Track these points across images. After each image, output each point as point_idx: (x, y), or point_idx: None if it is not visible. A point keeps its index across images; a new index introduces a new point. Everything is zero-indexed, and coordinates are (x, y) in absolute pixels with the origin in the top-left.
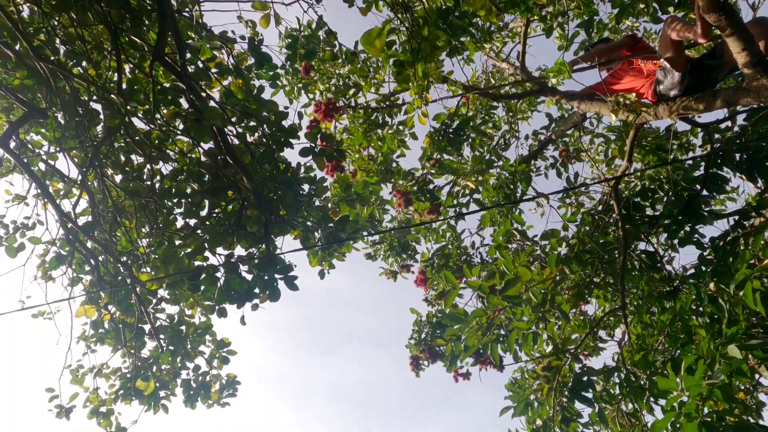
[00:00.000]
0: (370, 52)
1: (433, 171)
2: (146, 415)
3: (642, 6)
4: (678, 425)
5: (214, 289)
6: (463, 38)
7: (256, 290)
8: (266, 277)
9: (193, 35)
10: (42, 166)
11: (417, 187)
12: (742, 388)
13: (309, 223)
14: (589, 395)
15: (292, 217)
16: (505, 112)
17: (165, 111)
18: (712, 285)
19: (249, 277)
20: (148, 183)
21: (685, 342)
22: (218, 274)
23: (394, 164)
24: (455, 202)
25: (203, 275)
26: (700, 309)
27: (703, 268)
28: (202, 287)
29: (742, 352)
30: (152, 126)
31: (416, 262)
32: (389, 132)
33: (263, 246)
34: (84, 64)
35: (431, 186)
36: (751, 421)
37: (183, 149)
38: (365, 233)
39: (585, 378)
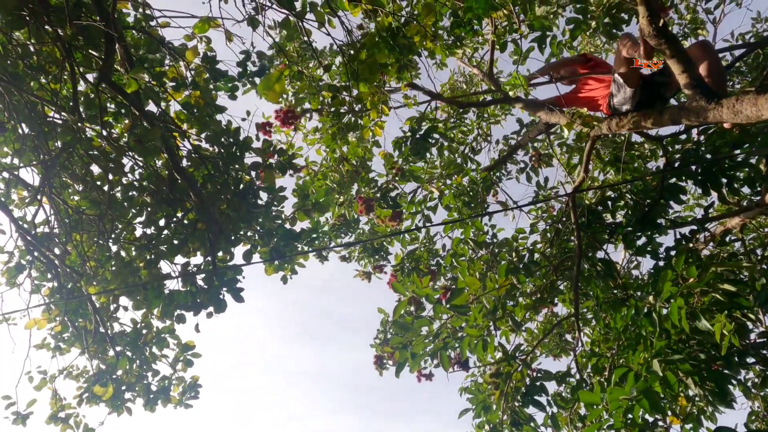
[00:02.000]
0: (267, 97)
1: (397, 178)
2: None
3: (594, 24)
4: None
5: (159, 302)
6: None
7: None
8: (210, 290)
9: (143, 52)
10: (6, 174)
11: (380, 193)
12: (683, 393)
13: (257, 236)
14: (542, 400)
15: (238, 231)
16: (476, 117)
17: (126, 122)
18: (651, 298)
19: (201, 287)
20: (109, 193)
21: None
22: (166, 285)
23: (364, 167)
24: (421, 207)
25: (149, 288)
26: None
27: (649, 280)
28: (149, 299)
29: (667, 366)
30: (103, 142)
31: (389, 264)
32: (354, 137)
33: (221, 254)
34: (43, 78)
35: (394, 193)
36: (704, 423)
37: (137, 163)
38: (311, 249)
39: (538, 383)
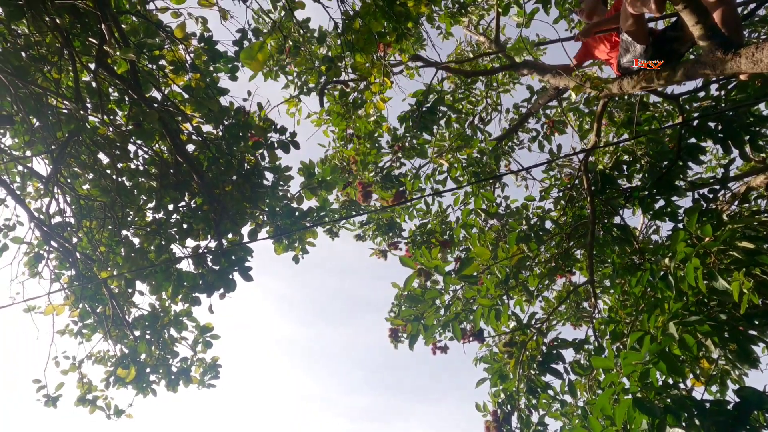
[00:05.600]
0: (250, 67)
1: (399, 155)
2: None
3: None
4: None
5: (169, 285)
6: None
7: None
8: (220, 270)
9: (142, 36)
10: (20, 167)
11: (381, 176)
12: (705, 355)
13: (264, 217)
14: (559, 367)
15: (243, 211)
16: (485, 86)
17: (132, 110)
18: (667, 260)
19: (213, 268)
20: (118, 180)
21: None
22: (179, 268)
23: (376, 144)
24: (430, 182)
25: (158, 271)
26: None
27: (665, 242)
28: (159, 281)
29: (684, 328)
30: (109, 129)
31: (404, 240)
32: (362, 114)
33: (230, 236)
34: (46, 68)
35: (397, 172)
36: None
37: (141, 148)
38: (313, 225)
39: (555, 351)
